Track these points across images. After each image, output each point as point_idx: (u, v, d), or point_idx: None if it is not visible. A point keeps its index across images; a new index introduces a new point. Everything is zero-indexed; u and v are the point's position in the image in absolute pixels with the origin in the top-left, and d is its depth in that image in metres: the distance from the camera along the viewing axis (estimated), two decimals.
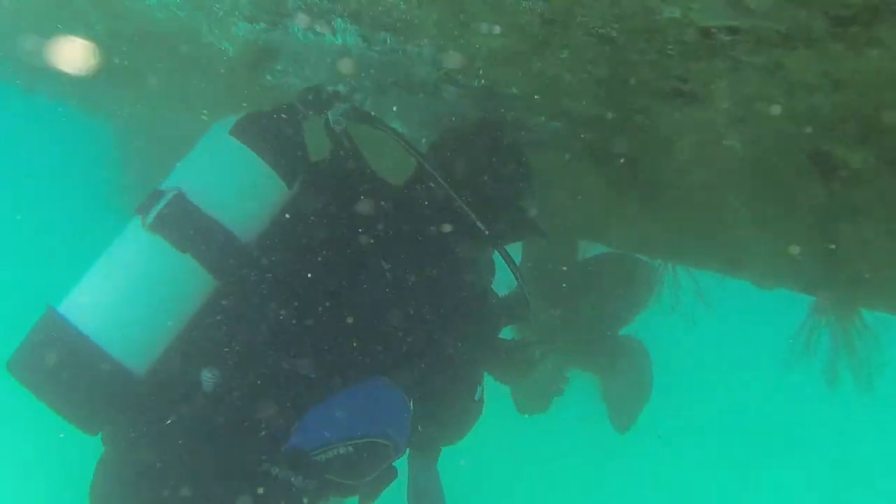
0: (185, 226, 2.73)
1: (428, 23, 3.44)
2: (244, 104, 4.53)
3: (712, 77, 3.29)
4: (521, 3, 3.07)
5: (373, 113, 3.54)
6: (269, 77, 4.77)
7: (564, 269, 5.67)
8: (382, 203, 3.14)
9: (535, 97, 4.01)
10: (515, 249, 6.83)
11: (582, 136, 4.36)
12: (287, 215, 3.03)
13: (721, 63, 3.12)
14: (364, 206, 3.07)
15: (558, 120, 4.23)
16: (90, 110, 7.90)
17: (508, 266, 3.49)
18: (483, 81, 3.93)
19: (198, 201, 2.79)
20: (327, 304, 2.91)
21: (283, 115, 3.10)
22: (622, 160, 4.45)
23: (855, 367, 4.59)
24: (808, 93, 3.23)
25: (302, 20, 3.54)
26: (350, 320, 2.92)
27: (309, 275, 2.91)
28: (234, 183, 2.90)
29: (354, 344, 2.95)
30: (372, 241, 3.05)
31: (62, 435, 2.98)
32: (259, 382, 2.80)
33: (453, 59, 3.64)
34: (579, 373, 6.12)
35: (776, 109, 3.44)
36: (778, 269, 4.21)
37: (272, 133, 2.98)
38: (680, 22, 2.88)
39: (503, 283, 3.88)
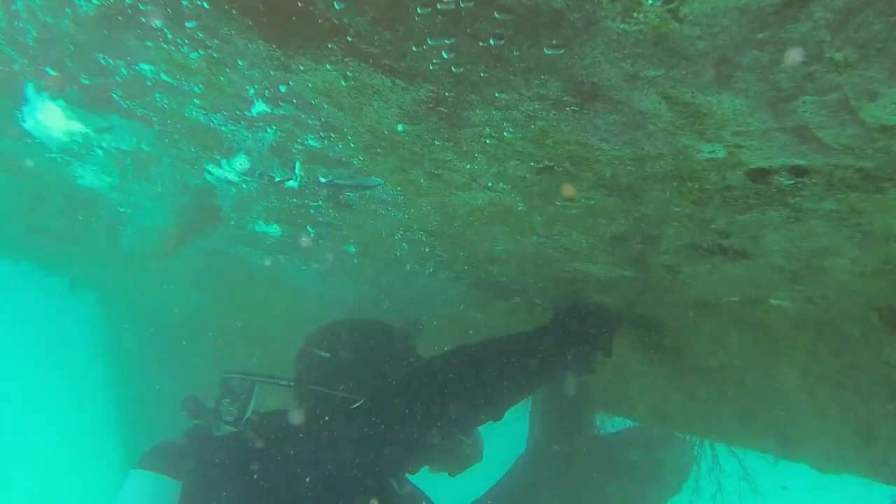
0: None
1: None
2: None
3: (763, 230, 2.54)
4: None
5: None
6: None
7: (577, 446, 4.78)
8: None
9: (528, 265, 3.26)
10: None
11: (598, 298, 3.58)
12: None
13: (776, 213, 2.38)
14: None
15: (560, 288, 3.46)
16: None
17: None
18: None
19: None
20: None
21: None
22: (647, 324, 3.64)
23: None
24: (885, 243, 2.48)
25: None
26: None
27: None
28: None
29: None
30: None
31: None
32: None
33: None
34: None
35: (842, 263, 2.69)
36: (842, 448, 3.35)
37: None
38: (723, 164, 2.15)
39: None
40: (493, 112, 2.13)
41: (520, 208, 2.79)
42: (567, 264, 3.38)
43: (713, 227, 2.60)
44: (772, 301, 3.18)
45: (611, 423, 5.18)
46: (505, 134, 2.22)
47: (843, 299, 2.96)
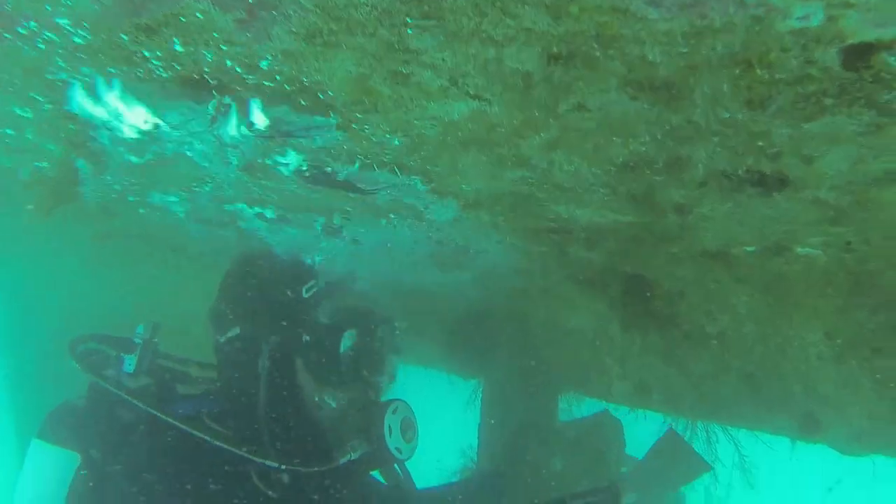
0: None
1: None
2: None
3: (826, 145, 1.98)
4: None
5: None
6: None
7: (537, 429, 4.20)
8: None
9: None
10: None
11: (582, 253, 2.98)
12: None
13: (854, 119, 1.82)
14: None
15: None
16: None
17: None
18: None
19: None
20: None
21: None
22: (632, 284, 3.07)
23: None
24: None
25: None
26: None
27: None
28: None
29: None
30: None
31: None
32: None
33: None
34: None
35: None
36: (877, 427, 2.86)
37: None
38: (815, 37, 1.56)
39: None
40: None
41: (510, 124, 2.15)
42: (550, 208, 2.76)
43: (761, 143, 2.02)
44: (797, 250, 2.65)
45: (581, 407, 4.60)
46: None
47: (891, 244, 2.45)
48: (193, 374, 3.41)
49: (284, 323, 3.13)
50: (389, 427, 3.08)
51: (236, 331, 3.13)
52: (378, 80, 2.06)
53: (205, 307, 3.26)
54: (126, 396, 2.96)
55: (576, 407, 4.64)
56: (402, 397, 3.22)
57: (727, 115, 1.89)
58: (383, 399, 3.26)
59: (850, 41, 1.55)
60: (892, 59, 1.58)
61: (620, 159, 2.23)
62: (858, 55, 1.60)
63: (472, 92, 2.02)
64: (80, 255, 5.95)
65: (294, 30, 1.87)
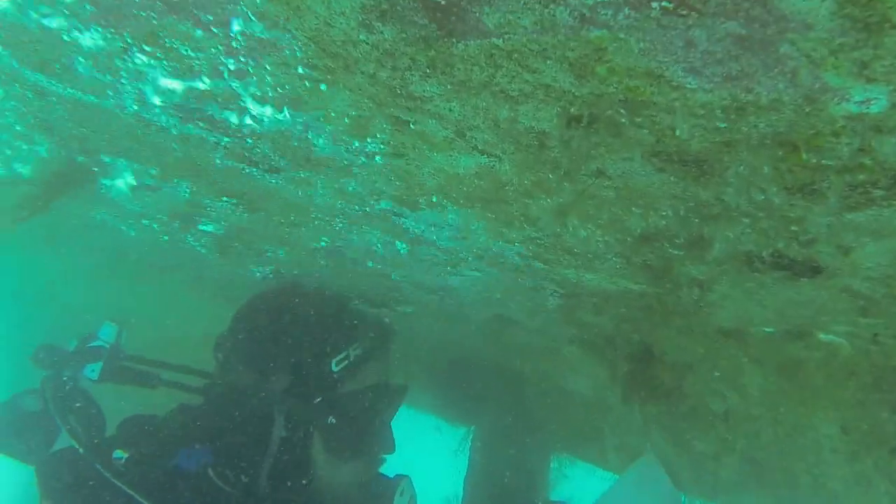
0: None
1: None
2: None
3: (867, 237, 1.78)
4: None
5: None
6: None
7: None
8: None
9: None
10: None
11: (586, 318, 2.78)
12: None
13: None
14: None
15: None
16: None
17: None
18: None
19: None
20: None
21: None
22: (639, 353, 2.87)
23: None
24: None
25: None
26: None
27: None
28: None
29: None
30: None
31: None
32: None
33: None
34: None
35: None
36: None
37: None
38: (873, 125, 1.37)
39: None
40: (521, 8, 1.29)
41: (520, 184, 1.95)
42: (557, 271, 2.56)
43: (796, 228, 1.82)
44: (821, 336, 2.44)
45: (576, 470, 4.38)
46: (531, 47, 1.38)
47: None
48: (165, 377, 3.11)
49: (305, 393, 2.85)
50: None
51: (248, 381, 2.85)
52: (379, 124, 1.87)
53: None
54: (120, 484, 2.48)
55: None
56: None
57: (760, 198, 1.69)
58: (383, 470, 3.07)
59: None
60: None
61: (639, 231, 2.02)
62: None
63: (481, 144, 1.83)
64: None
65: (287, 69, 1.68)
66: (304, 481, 2.80)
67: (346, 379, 2.97)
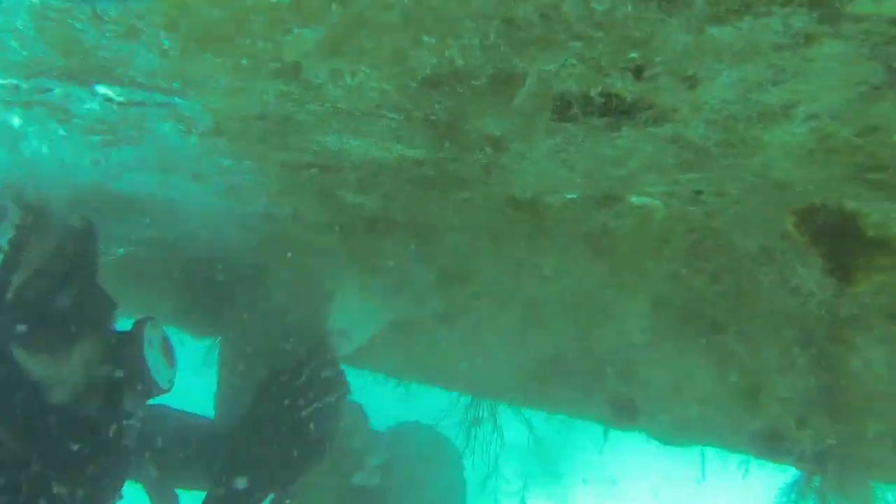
0: None
1: None
2: None
3: (719, 56, 1.29)
4: None
5: None
6: None
7: None
8: None
9: None
10: None
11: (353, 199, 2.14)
12: None
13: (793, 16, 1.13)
14: None
15: None
16: None
17: None
18: None
19: None
20: None
21: None
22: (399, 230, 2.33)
23: None
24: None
25: None
26: None
27: None
28: None
29: None
30: None
31: None
32: None
33: None
34: None
35: (792, 135, 1.58)
36: (710, 414, 2.33)
37: None
38: None
39: None
40: None
41: (271, 8, 1.22)
42: (313, 138, 1.89)
43: (636, 55, 1.29)
44: (632, 200, 2.00)
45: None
46: None
47: (752, 196, 1.87)
48: None
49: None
50: None
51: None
52: None
53: None
54: None
55: None
56: None
57: (604, 7, 1.11)
58: None
59: None
60: None
61: (427, 71, 1.40)
62: None
63: None
64: None
65: None
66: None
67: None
